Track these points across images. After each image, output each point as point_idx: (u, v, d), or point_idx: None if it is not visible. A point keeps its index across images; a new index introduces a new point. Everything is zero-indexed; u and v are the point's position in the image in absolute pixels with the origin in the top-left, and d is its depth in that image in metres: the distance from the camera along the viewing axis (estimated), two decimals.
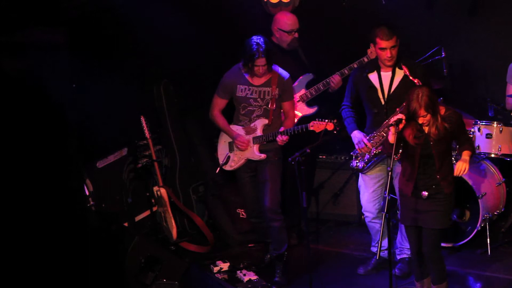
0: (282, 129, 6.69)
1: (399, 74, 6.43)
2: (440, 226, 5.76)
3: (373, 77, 6.52)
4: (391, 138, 5.67)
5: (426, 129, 5.70)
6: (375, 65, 6.54)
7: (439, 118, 5.65)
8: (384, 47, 6.36)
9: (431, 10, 7.97)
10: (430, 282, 5.94)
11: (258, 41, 6.62)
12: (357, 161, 6.60)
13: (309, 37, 7.74)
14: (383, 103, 6.48)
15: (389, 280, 5.77)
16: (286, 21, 7.36)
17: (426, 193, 5.72)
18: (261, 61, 6.61)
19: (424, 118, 5.61)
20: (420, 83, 6.10)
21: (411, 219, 5.83)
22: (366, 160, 6.55)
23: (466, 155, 5.83)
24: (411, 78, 6.22)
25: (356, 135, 6.57)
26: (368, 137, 6.52)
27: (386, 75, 6.49)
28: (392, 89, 6.44)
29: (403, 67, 6.33)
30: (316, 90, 7.28)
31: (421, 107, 5.56)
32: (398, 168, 6.16)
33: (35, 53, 6.10)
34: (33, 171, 5.83)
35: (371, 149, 6.49)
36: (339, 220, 8.05)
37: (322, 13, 8.23)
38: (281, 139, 6.67)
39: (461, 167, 5.79)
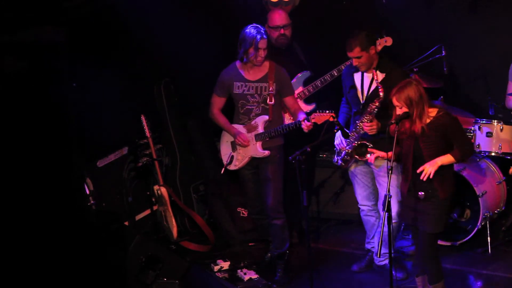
0: (286, 123, 6.66)
1: (380, 76, 6.46)
2: (431, 231, 5.69)
3: (357, 76, 6.59)
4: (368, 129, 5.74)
5: (415, 127, 5.65)
6: None
7: (416, 118, 5.57)
8: (348, 56, 6.46)
9: (431, 8, 7.97)
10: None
11: (255, 25, 6.69)
12: (338, 157, 6.66)
13: (308, 34, 7.74)
14: (361, 102, 6.53)
15: (389, 279, 5.78)
16: (272, 17, 7.37)
17: (422, 193, 5.69)
18: (263, 43, 6.62)
19: (400, 110, 5.59)
20: (382, 92, 6.21)
21: (408, 217, 5.83)
22: (343, 157, 6.60)
23: (442, 158, 5.61)
24: (377, 83, 6.32)
25: (337, 134, 6.65)
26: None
27: (368, 76, 6.54)
28: (370, 91, 6.48)
29: (375, 73, 6.37)
30: (314, 87, 7.28)
31: (393, 95, 5.57)
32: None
33: (36, 53, 6.10)
34: (34, 170, 5.84)
35: (346, 147, 6.53)
36: (340, 219, 8.05)
37: (322, 11, 8.23)
38: (306, 124, 6.54)
39: (424, 170, 5.58)
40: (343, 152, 6.60)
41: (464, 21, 7.89)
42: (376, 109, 6.32)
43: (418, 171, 5.60)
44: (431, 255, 5.79)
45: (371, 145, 6.28)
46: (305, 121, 6.54)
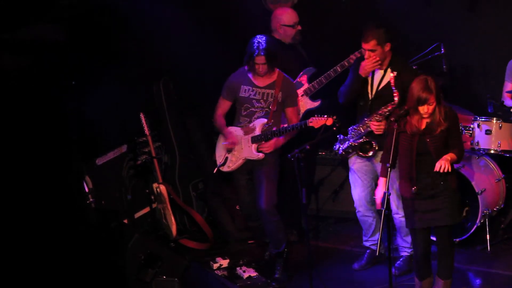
0: (275, 128, 6.70)
1: (389, 75, 6.45)
2: (452, 222, 5.76)
3: None
4: (375, 129, 5.71)
5: (423, 121, 5.66)
6: None
7: (442, 110, 5.63)
8: (363, 48, 6.44)
9: (430, 6, 7.96)
10: (431, 282, 5.94)
11: (260, 39, 6.67)
12: (340, 145, 6.68)
13: (308, 32, 7.75)
14: (370, 98, 6.54)
15: (388, 276, 5.78)
16: (288, 16, 7.39)
17: (415, 188, 5.69)
18: (260, 59, 6.62)
19: (430, 107, 5.58)
20: (397, 97, 6.24)
21: (419, 221, 5.78)
22: (345, 148, 6.65)
23: (451, 154, 5.67)
24: (393, 87, 6.28)
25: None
26: (351, 128, 6.63)
27: (379, 72, 6.55)
28: (380, 88, 6.49)
29: (392, 73, 6.35)
30: (319, 83, 7.30)
31: (432, 93, 5.53)
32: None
33: (35, 51, 6.10)
34: (33, 168, 5.84)
35: (350, 140, 6.60)
36: (339, 216, 8.05)
37: (321, 8, 8.23)
38: (267, 147, 6.69)
39: (441, 164, 5.61)
40: (347, 143, 6.61)
41: (463, 19, 7.89)
42: (387, 113, 6.36)
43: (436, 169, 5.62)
44: (451, 248, 5.86)
45: (374, 145, 6.43)
46: (274, 135, 6.66)
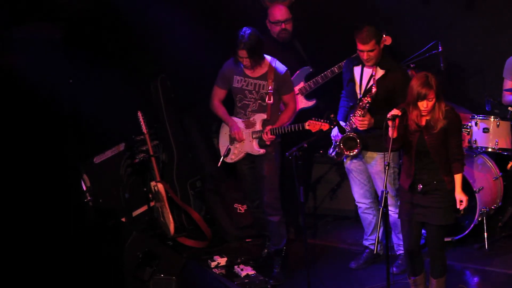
0: (268, 128, 6.70)
1: (379, 73, 6.45)
2: (443, 223, 5.73)
3: (356, 70, 6.57)
4: (390, 133, 5.67)
5: (423, 118, 5.66)
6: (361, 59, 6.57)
7: (443, 107, 5.63)
8: (361, 49, 6.38)
9: (428, 4, 7.97)
10: (424, 277, 5.94)
11: (244, 33, 6.61)
12: (333, 149, 6.71)
13: (307, 30, 7.74)
14: (359, 97, 6.53)
15: (386, 275, 5.77)
16: (273, 12, 7.42)
17: (421, 186, 5.70)
18: (242, 53, 6.62)
19: (429, 103, 5.58)
20: (375, 88, 6.26)
21: (409, 213, 5.80)
22: (336, 149, 6.66)
23: (458, 183, 5.72)
24: (373, 82, 6.30)
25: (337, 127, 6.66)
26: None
27: (367, 71, 6.51)
28: (368, 86, 6.47)
29: (374, 69, 6.34)
30: (315, 83, 7.31)
31: (431, 88, 5.51)
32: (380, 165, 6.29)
33: (32, 49, 6.10)
34: (31, 167, 5.84)
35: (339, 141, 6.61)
36: (337, 215, 8.05)
37: (320, 6, 8.23)
38: (267, 137, 6.68)
39: (461, 200, 5.72)
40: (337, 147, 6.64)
41: (461, 16, 7.89)
42: (368, 104, 6.33)
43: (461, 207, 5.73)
44: (441, 248, 5.84)
45: (359, 142, 6.40)
46: (266, 134, 6.66)
